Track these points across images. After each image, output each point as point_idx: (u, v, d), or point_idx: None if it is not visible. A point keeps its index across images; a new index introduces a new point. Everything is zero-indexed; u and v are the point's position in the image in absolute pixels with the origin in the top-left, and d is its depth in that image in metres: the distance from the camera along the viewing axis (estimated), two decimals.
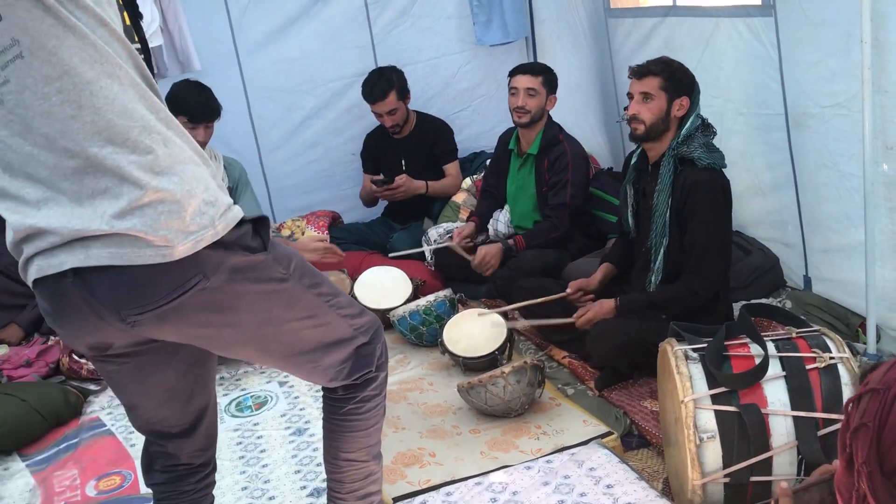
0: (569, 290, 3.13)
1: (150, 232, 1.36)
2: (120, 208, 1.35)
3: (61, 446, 2.88)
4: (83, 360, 3.27)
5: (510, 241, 3.74)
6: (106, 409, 3.09)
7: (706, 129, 2.77)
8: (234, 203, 1.51)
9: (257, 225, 1.55)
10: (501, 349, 3.11)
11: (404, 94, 4.22)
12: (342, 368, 1.74)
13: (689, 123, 2.74)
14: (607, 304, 2.91)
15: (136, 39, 1.54)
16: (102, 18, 1.33)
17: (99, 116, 1.32)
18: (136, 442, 2.83)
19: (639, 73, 2.79)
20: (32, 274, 1.43)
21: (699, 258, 2.71)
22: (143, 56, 1.50)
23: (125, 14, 1.51)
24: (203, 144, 3.45)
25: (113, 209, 1.35)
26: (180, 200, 1.38)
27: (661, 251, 2.79)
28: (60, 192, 1.36)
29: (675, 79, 2.76)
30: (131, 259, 1.37)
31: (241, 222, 1.50)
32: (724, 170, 2.75)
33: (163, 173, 1.37)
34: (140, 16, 1.57)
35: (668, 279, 2.82)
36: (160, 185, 1.36)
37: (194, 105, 3.32)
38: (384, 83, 4.14)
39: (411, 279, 3.71)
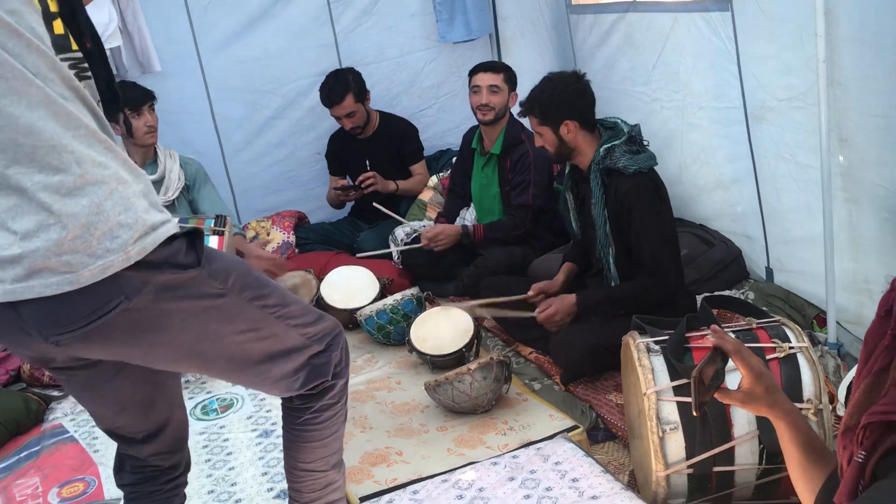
0: (530, 293, 3.13)
1: (53, 257, 1.32)
2: (26, 229, 1.32)
3: (22, 454, 2.82)
4: None
5: (469, 227, 3.75)
6: (69, 415, 3.04)
7: (630, 141, 2.77)
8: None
9: (193, 238, 1.50)
10: (469, 346, 3.11)
11: (362, 95, 4.19)
12: (295, 379, 1.70)
13: (616, 142, 2.75)
14: (568, 299, 2.93)
15: (75, 48, 1.45)
16: (16, 30, 1.28)
17: (3, 135, 1.29)
18: (99, 448, 2.79)
19: (521, 114, 2.92)
20: None
21: (651, 261, 2.75)
22: (79, 63, 1.44)
23: (57, 22, 1.42)
24: (153, 128, 3.63)
25: (21, 228, 1.32)
26: (86, 224, 1.33)
27: (611, 260, 2.84)
28: None
29: (544, 112, 2.82)
30: (40, 291, 1.34)
31: (174, 237, 1.45)
32: (655, 167, 2.79)
33: (70, 195, 1.32)
34: (81, 22, 1.45)
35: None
36: (65, 207, 1.32)
37: (130, 96, 3.54)
38: (340, 86, 4.11)
39: (378, 278, 3.70)
